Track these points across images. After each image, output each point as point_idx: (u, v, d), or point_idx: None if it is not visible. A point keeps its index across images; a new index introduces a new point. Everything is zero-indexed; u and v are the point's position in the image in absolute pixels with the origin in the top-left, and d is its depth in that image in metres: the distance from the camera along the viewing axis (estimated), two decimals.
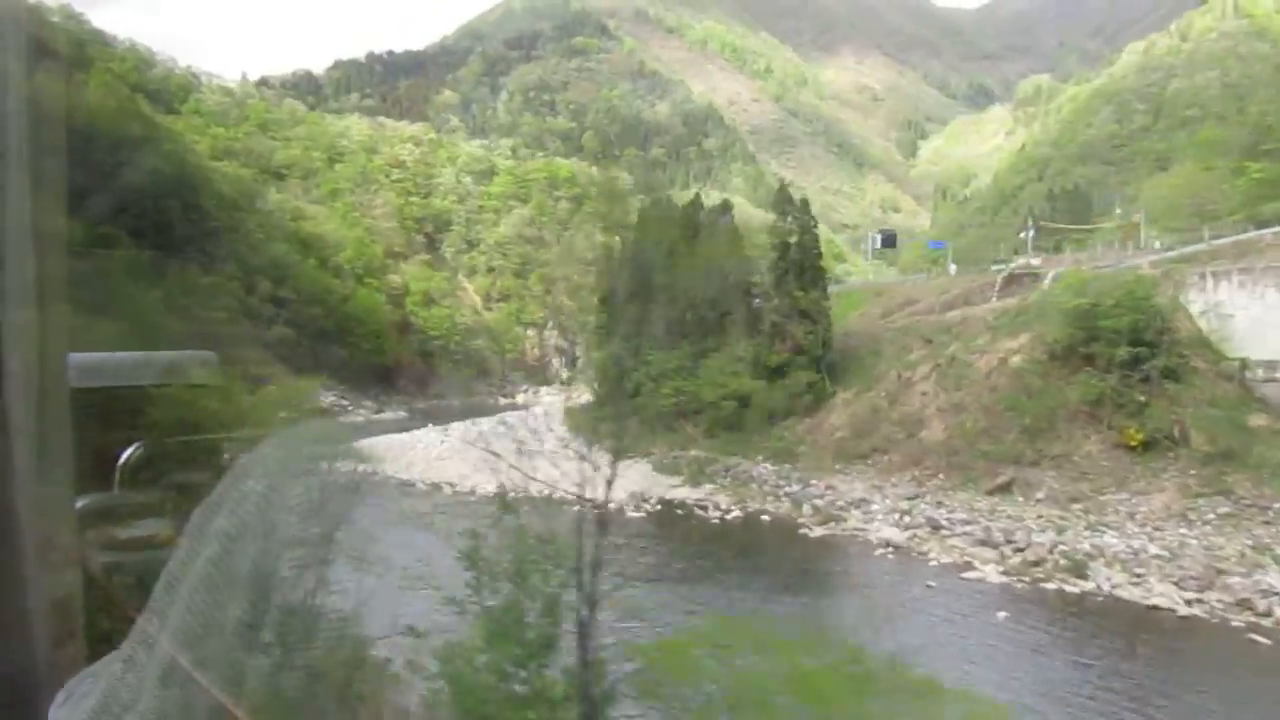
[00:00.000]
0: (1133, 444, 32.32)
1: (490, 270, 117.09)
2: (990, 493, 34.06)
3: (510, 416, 77.52)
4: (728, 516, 37.77)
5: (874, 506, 35.79)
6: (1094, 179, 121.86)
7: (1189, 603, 24.14)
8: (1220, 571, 25.17)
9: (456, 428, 68.04)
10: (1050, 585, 26.52)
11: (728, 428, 48.79)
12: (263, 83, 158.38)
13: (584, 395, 73.14)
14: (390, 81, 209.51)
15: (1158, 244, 50.90)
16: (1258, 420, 31.82)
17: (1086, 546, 28.30)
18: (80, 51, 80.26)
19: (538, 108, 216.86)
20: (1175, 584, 25.11)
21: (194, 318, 47.48)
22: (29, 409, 1.52)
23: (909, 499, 35.66)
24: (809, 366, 47.30)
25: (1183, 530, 28.41)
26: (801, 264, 48.10)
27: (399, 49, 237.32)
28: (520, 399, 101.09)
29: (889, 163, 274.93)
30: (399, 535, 20.31)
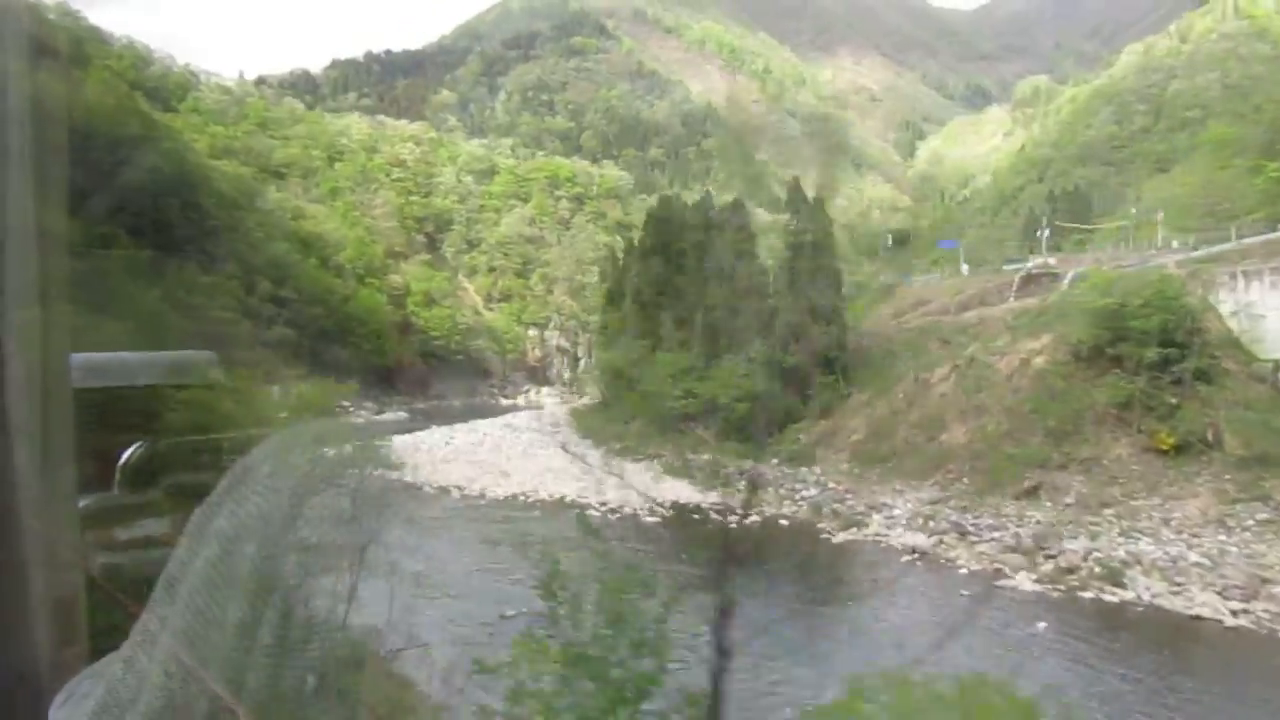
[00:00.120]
0: (1164, 447, 31.53)
1: (491, 270, 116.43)
2: (1017, 497, 33.22)
3: (515, 418, 76.98)
4: (745, 521, 36.89)
5: (896, 511, 34.96)
6: (1094, 180, 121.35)
7: (1234, 613, 23.32)
8: (1265, 580, 24.38)
9: (461, 429, 67.50)
10: (1087, 594, 25.71)
11: (740, 430, 47.94)
12: (260, 82, 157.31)
13: (588, 397, 72.65)
14: (388, 81, 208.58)
15: (1175, 243, 50.21)
16: None
17: (1122, 554, 27.49)
18: (77, 49, 79.26)
19: (536, 107, 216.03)
20: (1218, 593, 24.30)
21: (196, 317, 46.66)
22: (31, 409, 1.47)
23: (932, 503, 34.83)
24: (824, 368, 46.54)
25: (1221, 537, 27.61)
26: (816, 263, 47.36)
27: (397, 48, 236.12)
28: (522, 400, 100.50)
29: (887, 163, 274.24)
30: (411, 540, 19.49)
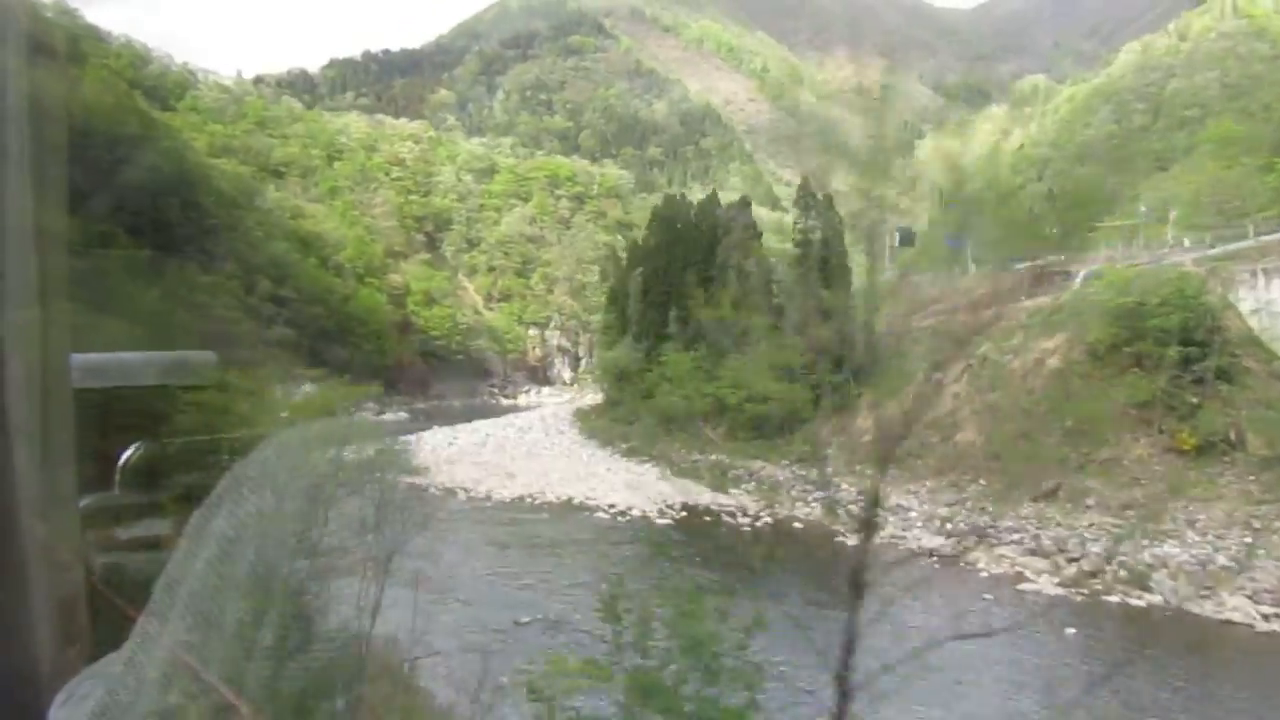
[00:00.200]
0: (1186, 448, 31.08)
1: (491, 269, 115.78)
2: (1035, 499, 32.66)
3: (518, 419, 76.34)
4: (758, 523, 36.37)
5: (912, 513, 34.48)
6: (1093, 179, 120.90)
7: (1266, 618, 22.89)
8: None
9: (464, 429, 66.87)
10: (1112, 598, 25.24)
11: (749, 431, 47.43)
12: (258, 81, 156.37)
13: (591, 396, 71.97)
14: (386, 80, 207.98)
15: (1186, 241, 49.71)
16: None
17: (1146, 557, 26.99)
18: (74, 47, 78.47)
19: (534, 107, 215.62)
20: (1249, 597, 23.86)
21: (202, 316, 46.07)
22: (31, 409, 1.47)
23: (948, 505, 34.36)
24: (834, 367, 45.88)
25: (1248, 539, 27.17)
26: (826, 261, 46.80)
27: (395, 48, 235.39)
28: (522, 400, 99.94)
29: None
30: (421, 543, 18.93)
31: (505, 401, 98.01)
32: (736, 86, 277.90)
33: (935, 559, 29.96)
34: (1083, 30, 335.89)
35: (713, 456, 47.23)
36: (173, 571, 2.37)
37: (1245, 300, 34.65)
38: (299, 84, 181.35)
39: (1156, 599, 24.74)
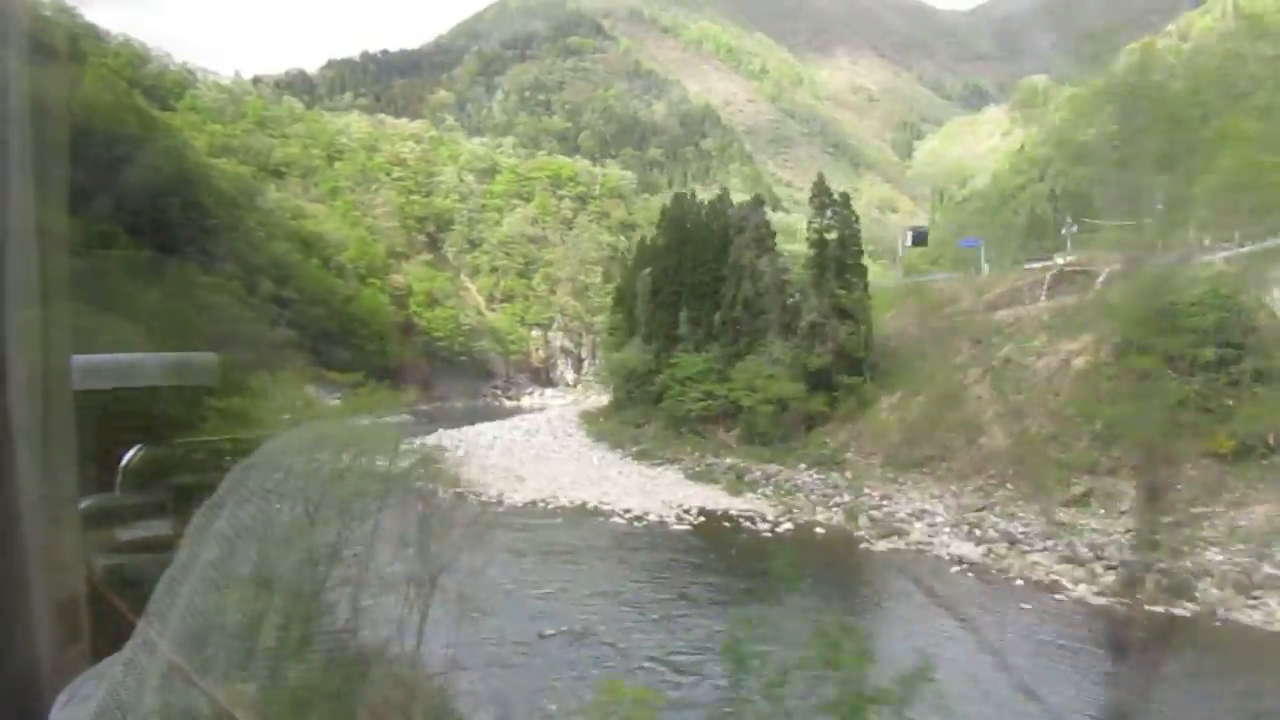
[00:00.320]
0: (1223, 451, 30.09)
1: (493, 270, 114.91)
2: (1067, 504, 31.82)
3: (524, 421, 75.42)
4: (779, 529, 35.47)
5: (938, 518, 33.63)
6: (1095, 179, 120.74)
7: None
8: None
9: (469, 432, 65.87)
10: (1156, 608, 24.26)
11: (763, 433, 46.64)
12: (256, 81, 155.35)
13: (595, 398, 70.85)
14: (385, 81, 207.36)
15: (1206, 240, 48.84)
16: None
17: (1188, 564, 26.07)
18: (73, 46, 77.54)
19: (533, 107, 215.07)
20: None
21: (211, 319, 45.13)
22: (33, 411, 1.50)
23: (976, 510, 33.52)
24: (851, 369, 45.15)
25: None
26: (842, 261, 45.96)
27: (394, 48, 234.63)
28: (525, 402, 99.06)
29: (885, 163, 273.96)
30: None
31: (508, 403, 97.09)
32: (736, 87, 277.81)
33: (966, 567, 29.20)
34: (1082, 31, 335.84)
35: (727, 460, 46.46)
36: (174, 573, 2.32)
37: None
38: (297, 84, 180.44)
39: (1202, 609, 23.82)
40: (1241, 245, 33.38)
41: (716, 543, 33.94)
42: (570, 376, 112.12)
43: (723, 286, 51.79)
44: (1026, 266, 59.41)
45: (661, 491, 43.09)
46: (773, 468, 43.57)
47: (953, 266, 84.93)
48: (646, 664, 21.36)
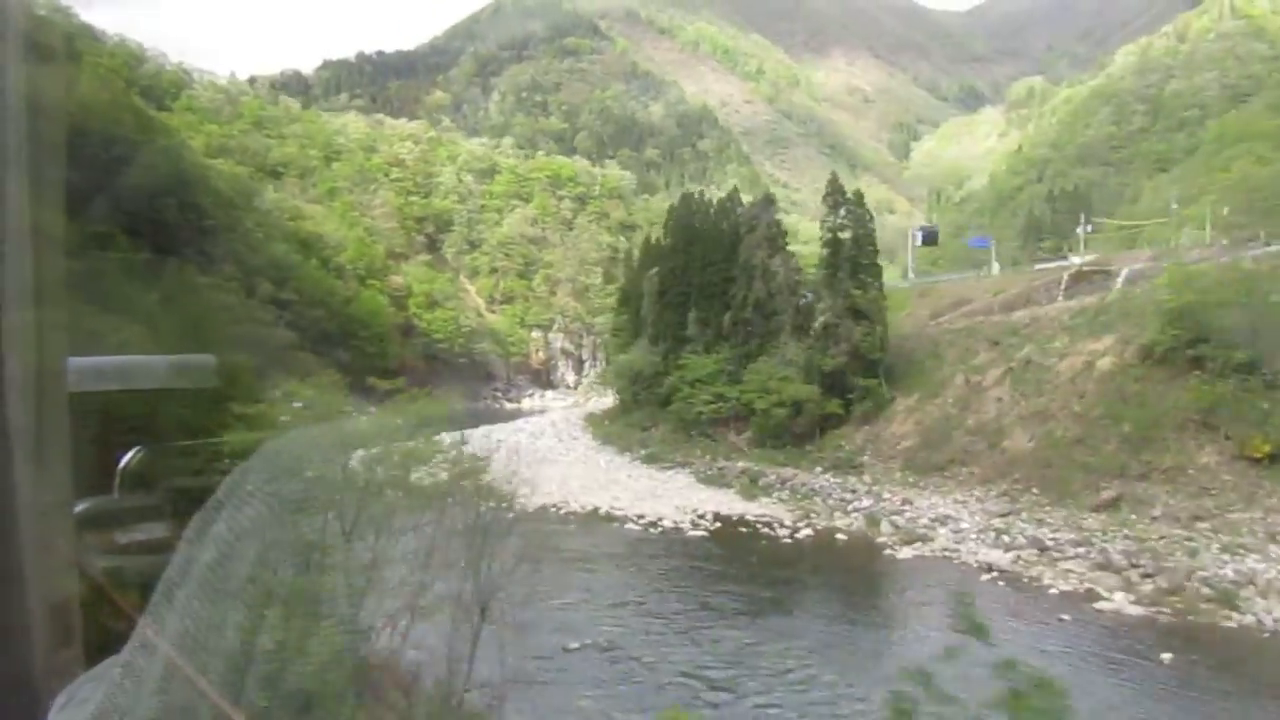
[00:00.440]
0: (1258, 455, 29.37)
1: (493, 271, 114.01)
2: (1096, 509, 31.07)
3: (527, 423, 74.47)
4: (798, 535, 34.58)
5: (963, 524, 32.71)
6: (1093, 180, 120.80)
7: None
8: None
9: (474, 435, 64.73)
10: (1199, 619, 23.51)
11: (776, 436, 45.77)
12: (251, 82, 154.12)
13: (598, 400, 69.88)
14: (380, 82, 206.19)
15: (1225, 241, 48.31)
16: None
17: (1229, 573, 25.33)
18: (69, 46, 76.45)
19: (530, 108, 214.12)
20: None
21: (217, 321, 44.27)
22: (27, 413, 1.54)
23: (1002, 516, 32.61)
24: (866, 371, 44.29)
25: None
26: (856, 260, 45.11)
27: (389, 49, 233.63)
28: (526, 404, 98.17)
29: (881, 164, 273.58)
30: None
31: (509, 406, 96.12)
32: (732, 88, 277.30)
33: (996, 574, 28.33)
34: (1076, 33, 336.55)
35: (739, 463, 45.58)
36: (172, 575, 2.30)
37: None
38: (293, 85, 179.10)
39: (1248, 619, 23.04)
40: (1268, 244, 32.54)
41: (735, 549, 33.04)
42: (571, 378, 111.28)
43: (733, 287, 50.90)
44: (1037, 267, 58.83)
45: (674, 496, 42.19)
46: (787, 471, 42.68)
47: (950, 266, 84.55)
48: (679, 679, 20.47)
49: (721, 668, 21.25)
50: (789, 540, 34.08)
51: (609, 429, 61.55)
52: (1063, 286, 44.97)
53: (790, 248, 58.61)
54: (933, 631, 23.55)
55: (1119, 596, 25.34)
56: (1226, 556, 26.30)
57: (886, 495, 37.64)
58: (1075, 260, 51.80)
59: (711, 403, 49.50)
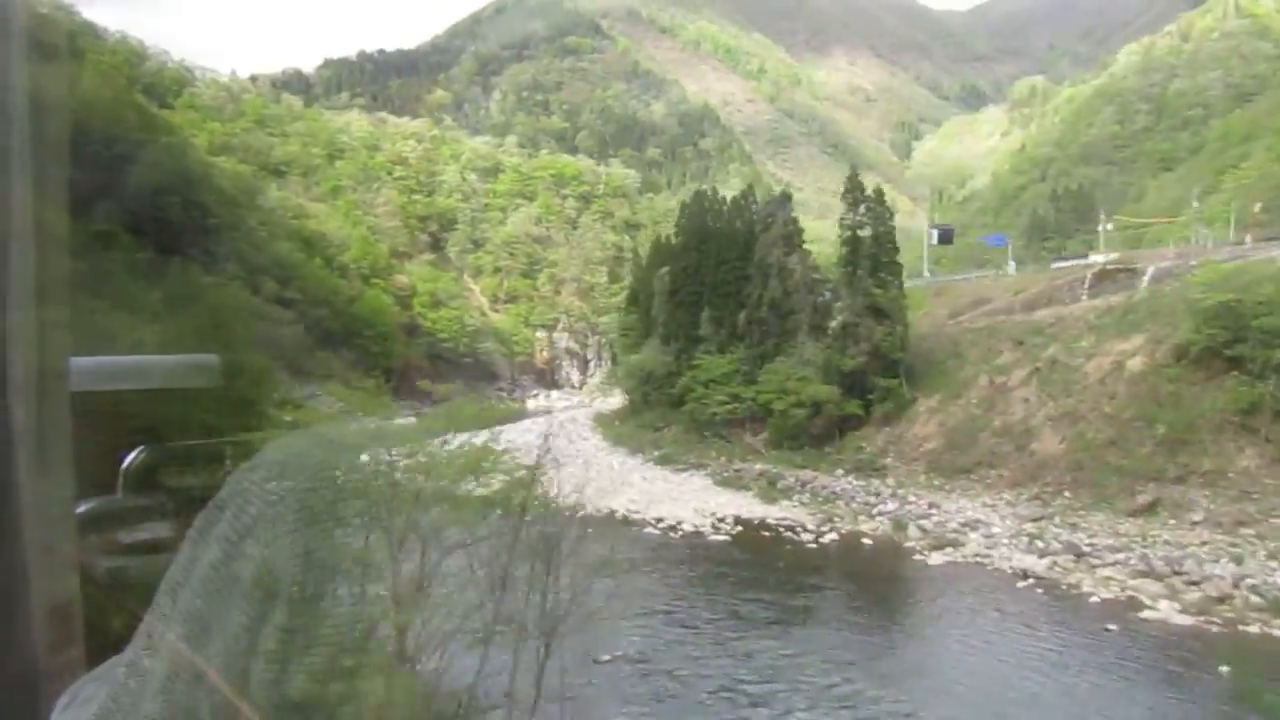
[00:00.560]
0: None
1: (497, 270, 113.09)
2: (1133, 514, 30.21)
3: (535, 424, 73.45)
4: (822, 539, 33.71)
5: (994, 529, 31.85)
6: (1097, 179, 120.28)
7: None
8: None
9: (481, 435, 63.92)
10: (1251, 629, 22.65)
11: (793, 438, 44.88)
12: (253, 80, 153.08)
13: (604, 400, 69.09)
14: (382, 81, 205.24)
15: (1248, 239, 47.47)
16: None
17: (1279, 580, 24.50)
18: (71, 43, 75.60)
19: (531, 107, 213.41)
20: None
21: (243, 319, 43.54)
22: (29, 412, 1.54)
23: (1034, 520, 31.76)
24: (886, 370, 43.42)
25: None
26: (876, 258, 44.25)
27: (390, 48, 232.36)
28: (531, 404, 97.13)
29: (884, 163, 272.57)
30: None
31: (514, 406, 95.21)
32: (734, 87, 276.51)
33: (1032, 581, 27.46)
34: (1078, 32, 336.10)
35: (757, 465, 44.72)
36: (176, 574, 2.01)
37: None
38: (294, 84, 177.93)
39: None
40: None
41: (760, 555, 32.18)
42: (576, 378, 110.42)
43: (747, 285, 50.03)
44: (1055, 265, 57.96)
45: (691, 498, 41.32)
46: (807, 474, 41.80)
47: (956, 265, 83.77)
48: (717, 694, 19.62)
49: (760, 682, 20.42)
50: (814, 545, 33.21)
51: (619, 430, 60.61)
52: (1086, 285, 44.06)
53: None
54: (975, 641, 22.75)
55: (1164, 605, 24.48)
56: (1274, 564, 25.47)
57: (912, 499, 36.78)
58: (1097, 259, 50.91)
59: (726, 403, 48.61)
